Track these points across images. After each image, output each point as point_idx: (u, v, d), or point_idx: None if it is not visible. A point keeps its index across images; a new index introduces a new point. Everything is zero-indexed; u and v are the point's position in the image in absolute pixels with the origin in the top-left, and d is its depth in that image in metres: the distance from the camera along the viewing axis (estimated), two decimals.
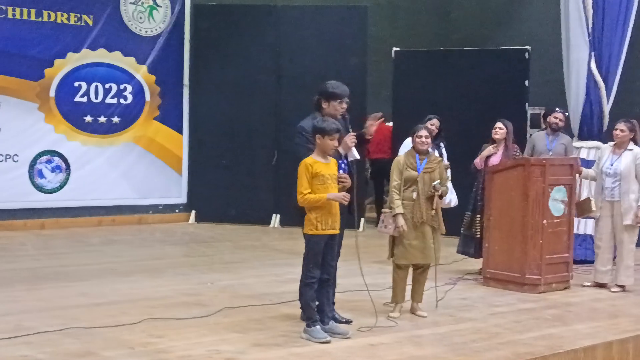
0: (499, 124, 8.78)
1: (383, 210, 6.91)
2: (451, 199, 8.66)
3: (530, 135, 10.35)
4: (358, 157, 6.38)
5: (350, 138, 6.12)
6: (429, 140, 6.93)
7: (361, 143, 6.47)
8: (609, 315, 7.23)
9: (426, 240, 6.77)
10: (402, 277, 6.86)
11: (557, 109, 9.48)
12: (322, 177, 5.84)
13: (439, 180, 6.79)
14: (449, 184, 6.98)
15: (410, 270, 6.96)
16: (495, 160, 8.69)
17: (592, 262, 8.96)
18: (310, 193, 5.83)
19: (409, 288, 6.94)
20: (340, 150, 6.10)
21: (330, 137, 5.84)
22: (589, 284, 8.39)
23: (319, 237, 5.90)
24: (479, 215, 8.70)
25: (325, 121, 5.91)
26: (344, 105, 6.27)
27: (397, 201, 6.74)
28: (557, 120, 9.35)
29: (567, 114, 9.45)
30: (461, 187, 9.09)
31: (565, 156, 9.14)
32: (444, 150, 9.29)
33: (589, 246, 9.47)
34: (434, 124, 9.12)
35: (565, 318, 7.06)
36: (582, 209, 8.34)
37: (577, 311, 7.32)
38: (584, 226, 9.65)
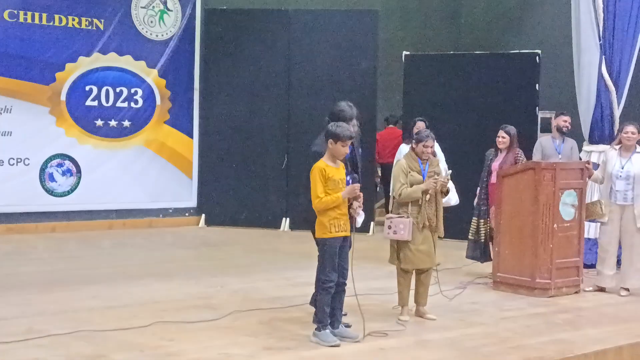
0: (501, 133, 8.81)
1: (388, 216, 6.85)
2: (450, 197, 8.66)
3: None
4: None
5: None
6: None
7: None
8: (620, 319, 7.20)
9: (429, 243, 6.78)
10: (409, 281, 6.86)
11: (563, 112, 9.52)
12: (334, 181, 5.87)
13: (448, 171, 6.82)
14: (450, 184, 6.98)
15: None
16: (495, 165, 8.74)
17: None
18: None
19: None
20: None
21: (342, 142, 5.86)
22: (590, 288, 8.31)
23: (334, 240, 5.91)
24: (482, 220, 8.78)
25: (339, 127, 5.92)
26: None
27: (407, 189, 6.70)
28: (567, 124, 9.40)
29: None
30: (473, 192, 9.07)
31: (572, 158, 9.16)
32: (438, 150, 9.34)
33: None
34: (419, 127, 9.15)
35: (576, 322, 7.04)
36: (591, 211, 8.28)
37: (587, 316, 7.30)
38: (594, 231, 9.62)
